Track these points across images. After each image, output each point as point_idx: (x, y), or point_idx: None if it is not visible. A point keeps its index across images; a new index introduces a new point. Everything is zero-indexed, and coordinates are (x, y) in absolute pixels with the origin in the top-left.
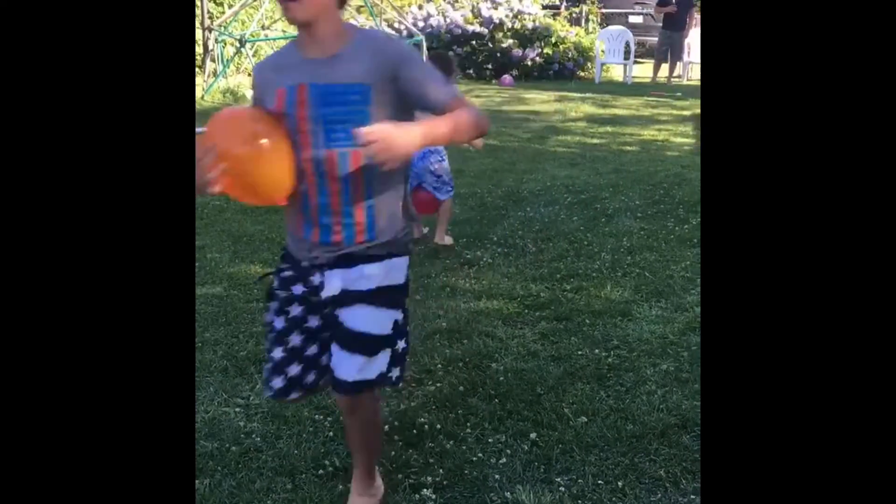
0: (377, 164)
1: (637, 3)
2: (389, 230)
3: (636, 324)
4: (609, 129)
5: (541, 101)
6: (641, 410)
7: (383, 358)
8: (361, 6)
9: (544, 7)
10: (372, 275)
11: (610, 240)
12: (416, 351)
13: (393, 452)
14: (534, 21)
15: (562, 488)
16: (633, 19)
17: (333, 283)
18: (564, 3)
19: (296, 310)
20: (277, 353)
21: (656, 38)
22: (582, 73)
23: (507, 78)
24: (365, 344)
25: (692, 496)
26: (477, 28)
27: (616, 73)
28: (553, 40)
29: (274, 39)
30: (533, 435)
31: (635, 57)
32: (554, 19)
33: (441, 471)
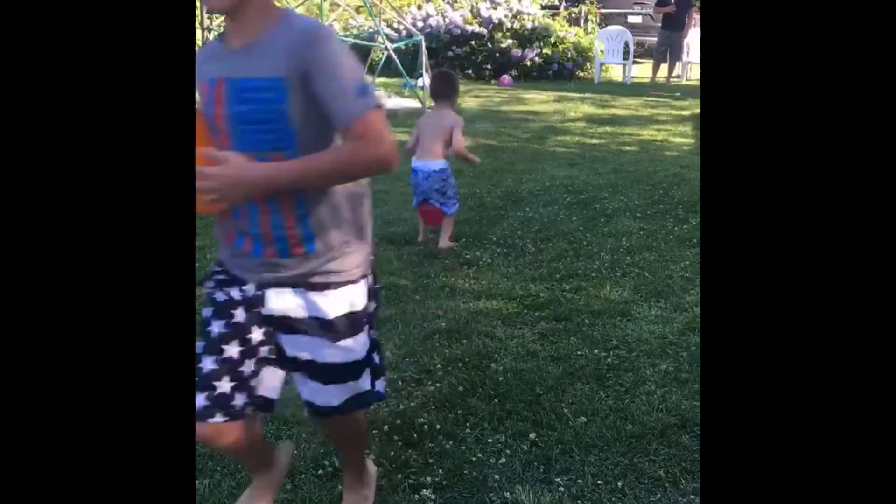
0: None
1: (636, 4)
2: (339, 246)
3: (635, 324)
4: (608, 129)
5: (540, 101)
6: (641, 410)
7: (365, 378)
8: (361, 6)
9: (543, 7)
10: (325, 304)
11: (609, 240)
12: (416, 351)
13: (392, 452)
14: (533, 21)
15: (561, 488)
16: (632, 19)
17: (279, 302)
18: (563, 4)
19: (240, 315)
20: (208, 363)
21: (655, 39)
22: (581, 74)
23: (506, 78)
24: (338, 372)
25: (692, 496)
26: (476, 28)
27: (615, 73)
28: (552, 40)
29: None
30: (532, 435)
31: (634, 57)
32: (553, 19)
33: (440, 471)
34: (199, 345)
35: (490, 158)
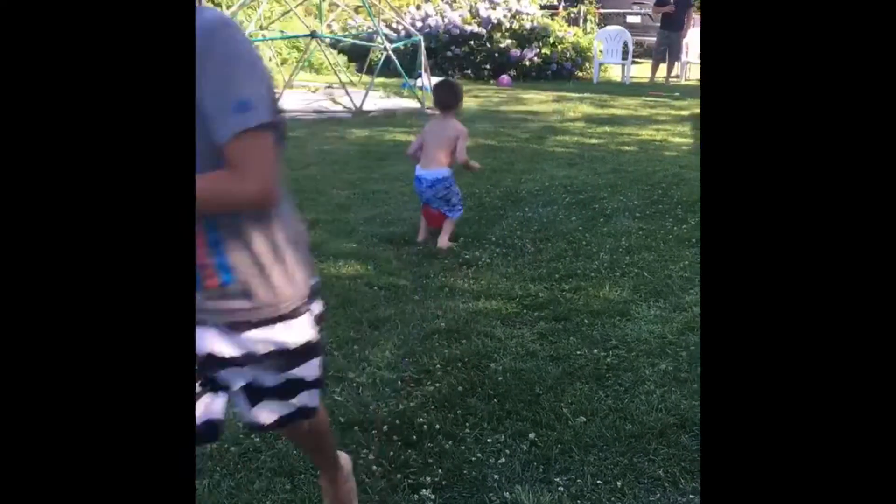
0: None
1: (635, 3)
2: (264, 276)
3: (635, 324)
4: (607, 129)
5: (539, 101)
6: (640, 410)
7: (301, 395)
8: (360, 6)
9: (542, 7)
10: (255, 344)
11: (608, 240)
12: (415, 351)
13: (392, 452)
14: (532, 21)
15: (561, 488)
16: (631, 19)
17: (202, 342)
18: (562, 4)
19: None
20: None
21: (654, 38)
22: (580, 74)
23: (505, 78)
24: (271, 394)
25: (691, 496)
26: (475, 28)
27: (614, 73)
28: (551, 40)
29: (272, 40)
30: (532, 435)
31: (633, 57)
32: (552, 19)
33: (440, 471)
34: None
35: (489, 158)
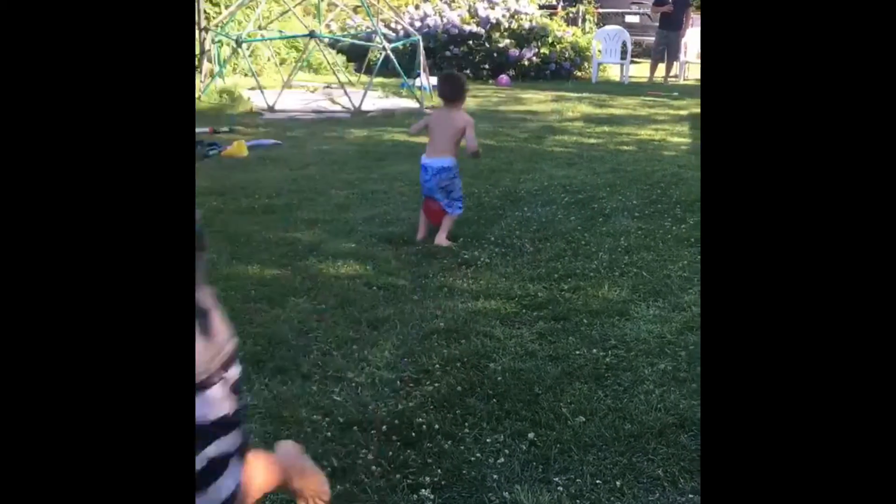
0: None
1: (634, 3)
2: None
3: (634, 323)
4: (606, 128)
5: (538, 101)
6: (639, 410)
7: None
8: (358, 6)
9: (541, 7)
10: None
11: (607, 239)
12: (414, 351)
13: (391, 452)
14: (531, 21)
15: (560, 488)
16: (629, 19)
17: None
18: (561, 3)
19: None
20: None
21: (653, 38)
22: (579, 73)
23: (503, 78)
24: None
25: (690, 495)
26: (474, 28)
27: (613, 72)
28: (550, 40)
29: (270, 39)
30: (531, 435)
31: (632, 57)
32: (551, 19)
33: (439, 471)
34: None
35: (488, 158)
